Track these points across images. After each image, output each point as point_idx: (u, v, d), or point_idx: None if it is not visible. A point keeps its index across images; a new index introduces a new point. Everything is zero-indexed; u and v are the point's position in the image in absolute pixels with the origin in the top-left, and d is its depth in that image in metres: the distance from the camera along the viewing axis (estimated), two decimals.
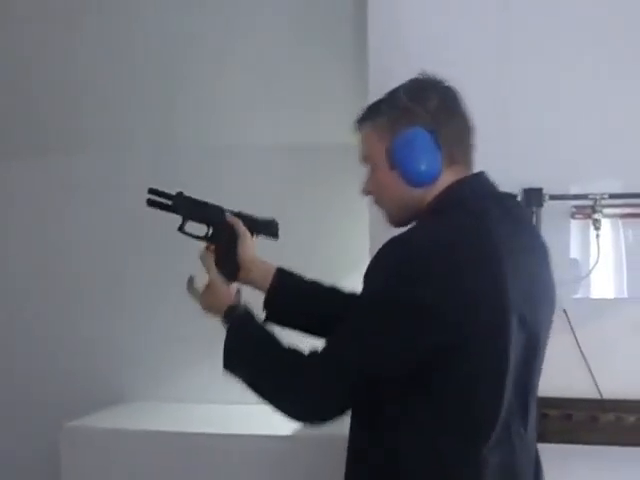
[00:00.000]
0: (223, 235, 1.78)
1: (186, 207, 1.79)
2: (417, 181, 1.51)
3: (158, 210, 1.77)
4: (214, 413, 2.94)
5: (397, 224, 1.59)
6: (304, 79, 2.94)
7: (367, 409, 1.47)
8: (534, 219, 2.16)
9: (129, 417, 2.90)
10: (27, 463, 3.29)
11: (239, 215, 1.83)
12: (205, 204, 1.81)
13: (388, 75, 2.01)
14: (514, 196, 1.77)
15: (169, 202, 1.77)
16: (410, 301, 1.35)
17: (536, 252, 1.56)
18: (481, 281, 1.37)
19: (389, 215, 1.62)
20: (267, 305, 1.79)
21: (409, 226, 1.55)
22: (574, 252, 2.28)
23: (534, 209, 2.18)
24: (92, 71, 3.13)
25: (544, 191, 2.20)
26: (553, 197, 2.20)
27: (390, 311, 1.37)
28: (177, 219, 1.78)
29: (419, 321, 1.35)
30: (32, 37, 3.12)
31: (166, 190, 1.78)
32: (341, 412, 1.47)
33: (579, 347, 2.21)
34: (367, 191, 1.65)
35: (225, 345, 1.62)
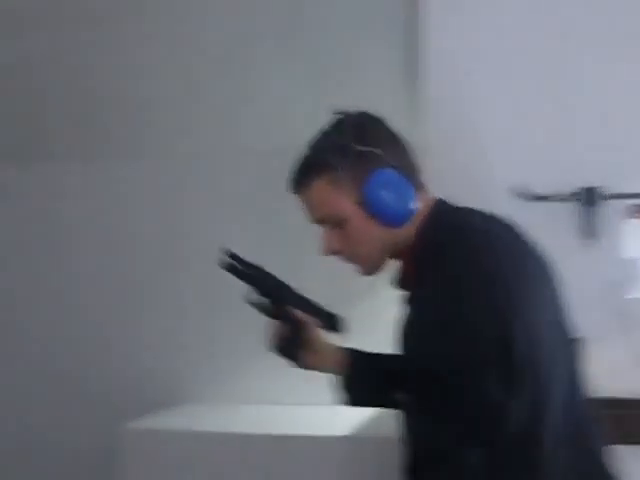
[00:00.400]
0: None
1: (265, 285, 1.73)
2: (402, 220, 1.50)
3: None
4: (273, 414, 2.98)
5: (375, 271, 1.57)
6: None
7: None
8: (591, 218, 2.16)
9: (188, 418, 2.93)
10: (86, 463, 3.37)
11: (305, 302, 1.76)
12: (285, 287, 1.74)
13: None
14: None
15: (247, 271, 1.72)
16: (493, 307, 1.35)
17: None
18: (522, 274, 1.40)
19: (368, 264, 1.59)
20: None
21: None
22: (629, 252, 2.23)
23: (592, 208, 2.17)
24: (136, 83, 3.20)
25: (602, 190, 2.17)
26: (611, 196, 2.17)
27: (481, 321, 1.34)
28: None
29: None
30: (86, 44, 3.20)
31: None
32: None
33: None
34: (334, 250, 1.59)
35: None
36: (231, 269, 1.69)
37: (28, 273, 3.54)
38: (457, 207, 1.56)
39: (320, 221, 1.57)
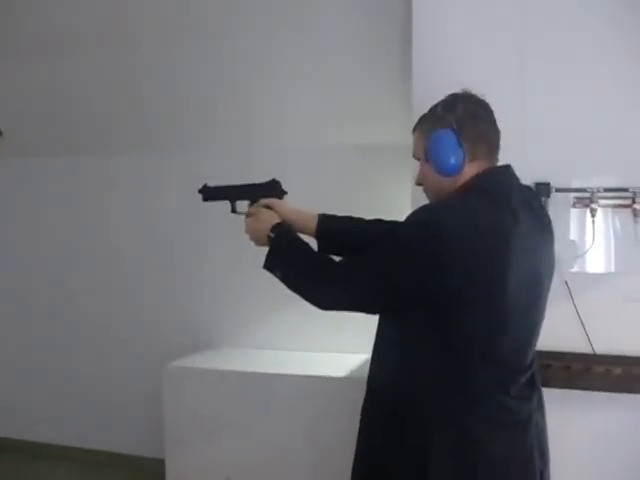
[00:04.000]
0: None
1: (219, 193, 2.21)
2: (444, 171, 1.80)
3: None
4: (289, 358, 3.32)
5: None
6: (362, 93, 3.33)
7: (393, 325, 1.78)
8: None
9: (221, 359, 3.31)
10: (135, 396, 3.78)
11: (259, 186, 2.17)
12: (234, 186, 2.20)
13: (428, 92, 2.33)
14: (531, 188, 2.07)
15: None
16: (425, 253, 1.62)
17: (544, 234, 1.81)
18: (486, 249, 1.62)
19: (429, 199, 1.91)
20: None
21: None
22: (573, 234, 2.54)
23: (543, 199, 2.43)
24: (187, 83, 3.64)
25: (551, 184, 2.48)
26: (558, 190, 2.48)
27: (406, 255, 1.65)
28: None
29: (430, 268, 1.62)
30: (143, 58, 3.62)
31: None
32: (345, 308, 1.80)
33: (577, 311, 2.48)
34: (418, 182, 1.94)
35: (271, 248, 1.96)
36: (206, 197, 2.20)
37: (79, 244, 3.99)
38: (500, 183, 1.76)
39: (414, 157, 1.94)
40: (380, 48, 3.20)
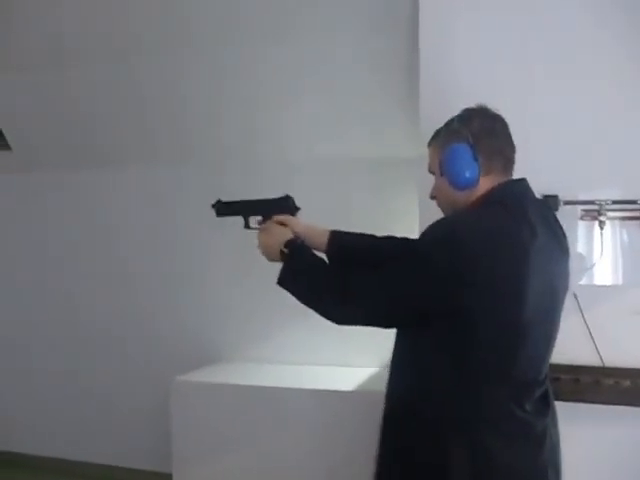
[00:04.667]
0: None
1: (236, 209, 2.22)
2: (458, 185, 1.80)
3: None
4: (296, 372, 3.34)
5: None
6: (370, 107, 3.32)
7: (410, 339, 1.78)
8: None
9: (228, 373, 3.32)
10: (143, 409, 3.79)
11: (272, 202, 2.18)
12: (247, 201, 2.21)
13: (436, 104, 2.36)
14: (547, 202, 2.10)
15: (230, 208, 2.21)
16: (443, 268, 1.61)
17: (559, 248, 1.80)
18: (506, 265, 1.61)
19: (444, 212, 1.91)
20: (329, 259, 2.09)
21: None
22: (582, 247, 2.53)
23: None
24: (194, 100, 3.65)
25: (559, 197, 2.47)
26: (566, 202, 2.48)
27: (427, 271, 1.65)
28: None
29: (448, 284, 1.61)
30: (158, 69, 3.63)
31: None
32: (362, 323, 1.81)
33: (586, 323, 2.48)
34: (432, 195, 1.95)
35: (285, 264, 1.96)
36: (220, 213, 2.22)
37: (84, 258, 4.00)
38: (516, 196, 1.75)
39: (429, 171, 1.95)
40: (386, 61, 3.21)
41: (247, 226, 2.20)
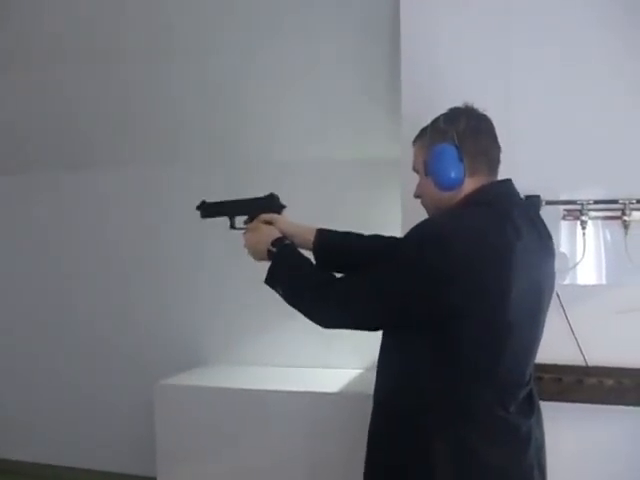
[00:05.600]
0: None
1: (220, 209, 2.20)
2: (443, 186, 1.79)
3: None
4: (280, 374, 3.34)
5: None
6: (353, 108, 3.34)
7: (396, 342, 1.78)
8: None
9: (212, 377, 3.31)
10: (126, 413, 3.76)
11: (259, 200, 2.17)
12: (232, 202, 2.20)
13: (418, 103, 2.37)
14: (533, 202, 2.12)
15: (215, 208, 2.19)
16: (428, 268, 1.61)
17: (544, 248, 1.81)
18: (490, 265, 1.61)
19: (428, 212, 1.91)
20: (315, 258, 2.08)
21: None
22: (564, 247, 2.54)
23: None
24: (182, 101, 3.66)
25: (541, 197, 2.47)
26: (548, 202, 2.48)
27: (411, 272, 1.64)
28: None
29: (433, 284, 1.61)
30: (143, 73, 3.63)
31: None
32: (346, 326, 1.81)
33: (569, 323, 2.49)
34: (416, 195, 1.94)
35: (273, 263, 1.95)
36: (205, 214, 2.20)
37: (66, 262, 3.96)
38: (501, 197, 1.75)
39: (413, 170, 1.95)
40: (369, 62, 3.23)
41: (233, 227, 2.19)
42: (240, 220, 2.18)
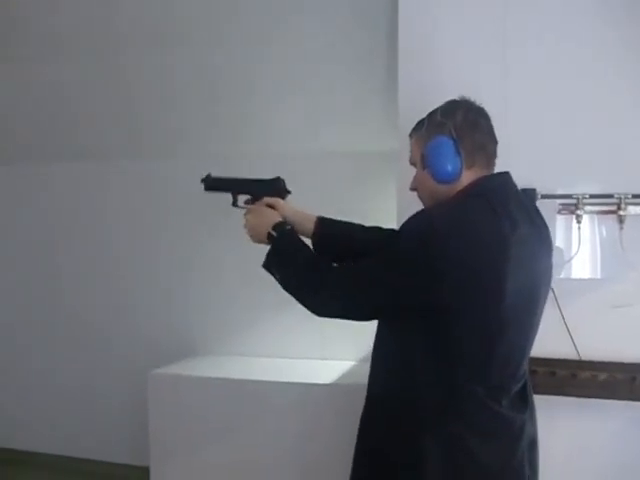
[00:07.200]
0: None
1: (224, 184, 2.18)
2: (440, 179, 1.78)
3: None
4: (274, 365, 3.33)
5: None
6: (345, 100, 3.35)
7: (390, 331, 1.78)
8: None
9: (206, 367, 3.31)
10: (120, 402, 3.76)
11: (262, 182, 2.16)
12: (238, 179, 2.18)
13: (415, 96, 2.37)
14: (530, 194, 2.10)
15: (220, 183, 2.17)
16: (422, 263, 1.60)
17: (541, 242, 1.80)
18: (485, 259, 1.60)
19: (423, 204, 1.89)
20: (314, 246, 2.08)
21: None
22: (559, 241, 2.53)
23: None
24: (175, 91, 3.67)
25: (537, 191, 2.47)
26: (544, 196, 2.47)
27: (404, 265, 1.64)
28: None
29: (426, 279, 1.60)
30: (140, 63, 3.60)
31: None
32: (339, 315, 1.80)
33: (563, 317, 2.49)
34: (412, 187, 1.93)
35: (273, 246, 1.95)
36: (208, 187, 2.17)
37: (62, 254, 3.94)
38: (498, 189, 1.74)
39: (410, 163, 1.94)
40: (367, 55, 3.22)
41: (235, 204, 2.17)
42: (242, 201, 2.17)
